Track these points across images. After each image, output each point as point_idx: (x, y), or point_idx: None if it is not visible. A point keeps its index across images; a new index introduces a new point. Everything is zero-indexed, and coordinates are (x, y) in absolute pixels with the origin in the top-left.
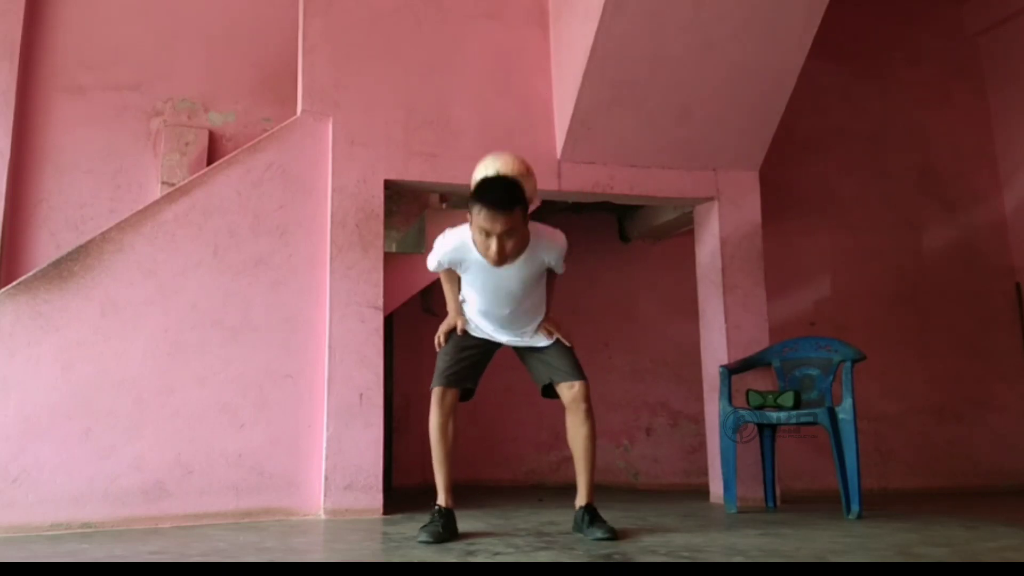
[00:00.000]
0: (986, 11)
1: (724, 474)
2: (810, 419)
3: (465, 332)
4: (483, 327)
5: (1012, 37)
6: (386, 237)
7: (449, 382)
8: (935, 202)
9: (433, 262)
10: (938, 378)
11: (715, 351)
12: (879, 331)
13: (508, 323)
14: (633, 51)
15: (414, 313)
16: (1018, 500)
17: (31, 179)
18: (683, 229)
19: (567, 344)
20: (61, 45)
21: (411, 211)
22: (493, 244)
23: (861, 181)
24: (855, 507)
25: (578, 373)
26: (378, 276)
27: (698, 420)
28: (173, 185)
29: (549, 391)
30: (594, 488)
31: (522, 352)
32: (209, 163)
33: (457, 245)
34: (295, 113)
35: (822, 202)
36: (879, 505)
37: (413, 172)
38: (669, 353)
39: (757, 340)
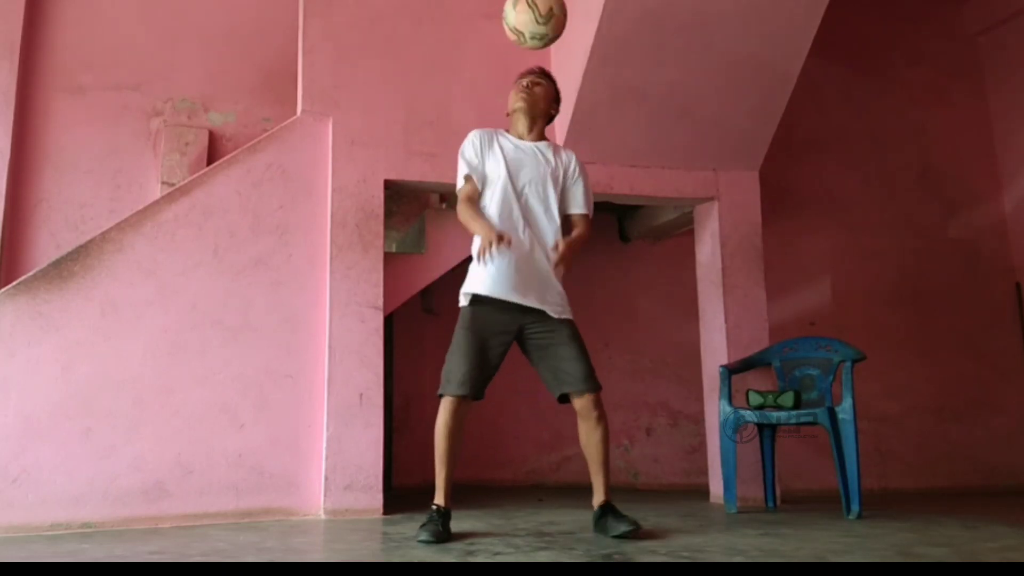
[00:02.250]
0: (986, 11)
1: (724, 474)
2: (810, 419)
3: (478, 312)
4: (503, 270)
5: (1012, 37)
6: (386, 237)
7: (466, 392)
8: (935, 202)
9: (463, 162)
10: (938, 378)
11: (715, 351)
12: (879, 331)
13: (527, 248)
14: (633, 51)
15: (414, 313)
16: (1018, 500)
17: (31, 179)
18: (683, 229)
19: (561, 268)
20: (61, 45)
21: (411, 211)
22: (525, 83)
23: (861, 181)
24: (855, 507)
25: (588, 383)
26: (378, 276)
27: (698, 420)
28: (173, 185)
29: (565, 398)
30: (610, 486)
31: (533, 355)
32: (209, 163)
33: (489, 133)
34: (295, 113)
35: (822, 202)
36: (879, 505)
37: (413, 172)
38: (669, 353)
39: (757, 340)
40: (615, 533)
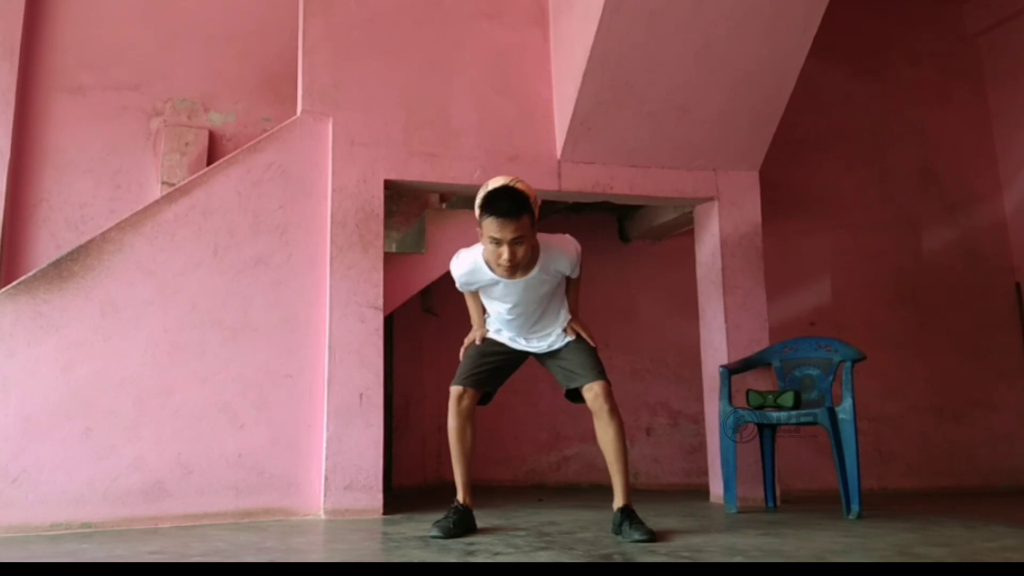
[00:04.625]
0: (986, 11)
1: (724, 474)
2: (810, 419)
3: (486, 339)
4: (506, 335)
5: (1012, 37)
6: (386, 237)
7: (467, 383)
8: (935, 202)
9: (457, 284)
10: (938, 378)
11: (715, 351)
12: (879, 331)
13: (529, 332)
14: (633, 51)
15: (414, 313)
16: (1018, 500)
17: (31, 179)
18: (683, 229)
19: (591, 344)
20: (61, 45)
21: (411, 211)
22: (505, 252)
23: (861, 181)
24: (855, 507)
25: (595, 374)
26: (378, 276)
27: (698, 420)
28: (173, 185)
29: (573, 395)
30: (630, 489)
31: (542, 358)
32: (209, 163)
33: (470, 268)
34: (295, 113)
35: (822, 202)
36: (879, 505)
37: (413, 172)
38: (669, 353)
39: (757, 340)
40: (631, 539)
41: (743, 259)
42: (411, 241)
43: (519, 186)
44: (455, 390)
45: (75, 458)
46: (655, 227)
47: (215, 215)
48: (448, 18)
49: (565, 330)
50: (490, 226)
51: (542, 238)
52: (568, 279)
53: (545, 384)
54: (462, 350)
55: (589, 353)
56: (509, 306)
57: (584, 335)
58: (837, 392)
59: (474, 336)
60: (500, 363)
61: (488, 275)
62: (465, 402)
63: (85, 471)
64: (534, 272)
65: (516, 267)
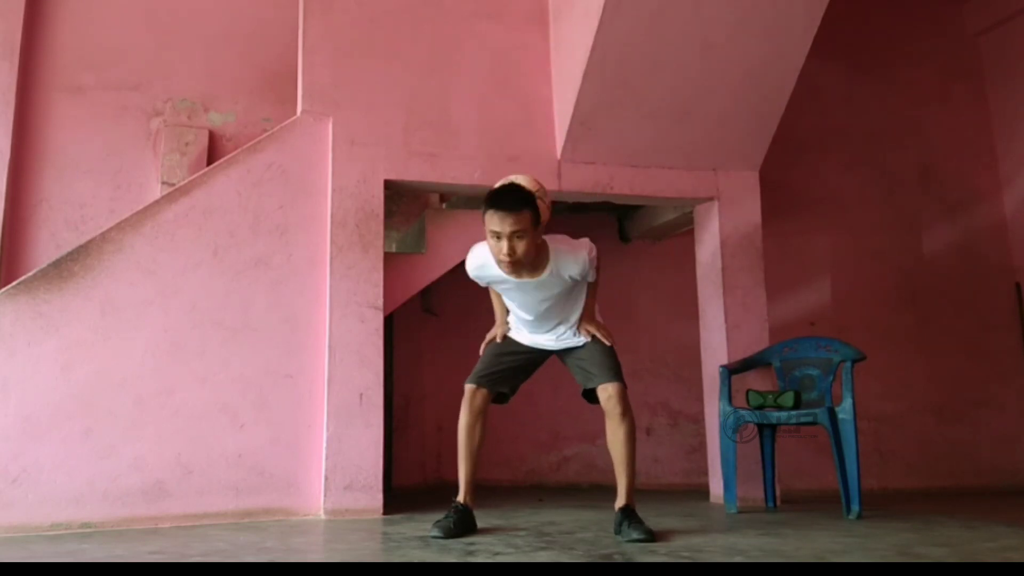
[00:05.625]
0: (986, 11)
1: (724, 474)
2: (810, 419)
3: (506, 338)
4: (524, 331)
5: (1012, 37)
6: (386, 237)
7: (481, 382)
8: (935, 202)
9: (472, 277)
10: (938, 378)
11: (715, 351)
12: (879, 331)
13: (548, 332)
14: (633, 51)
15: (414, 313)
16: (1018, 500)
17: (31, 179)
18: (683, 229)
19: (606, 343)
20: (61, 45)
21: (411, 211)
22: (504, 245)
23: (861, 181)
24: (855, 507)
25: (610, 375)
26: (378, 276)
27: (698, 420)
28: (173, 185)
29: (590, 395)
30: (633, 489)
31: (562, 355)
32: (209, 163)
33: (481, 263)
34: (295, 113)
35: (822, 202)
36: (879, 505)
37: (413, 172)
38: (669, 353)
39: (757, 340)
40: (629, 539)
41: (743, 259)
42: (411, 241)
43: (524, 182)
44: (468, 388)
45: (75, 458)
46: (655, 227)
47: (215, 215)
48: (448, 18)
49: (580, 330)
50: (490, 219)
51: (556, 241)
52: (588, 286)
53: (545, 384)
54: (483, 346)
55: (606, 353)
56: (523, 306)
57: (599, 335)
58: (837, 392)
59: (495, 333)
60: (518, 363)
61: (498, 272)
62: (478, 400)
63: (85, 471)
64: (544, 276)
65: (518, 264)
